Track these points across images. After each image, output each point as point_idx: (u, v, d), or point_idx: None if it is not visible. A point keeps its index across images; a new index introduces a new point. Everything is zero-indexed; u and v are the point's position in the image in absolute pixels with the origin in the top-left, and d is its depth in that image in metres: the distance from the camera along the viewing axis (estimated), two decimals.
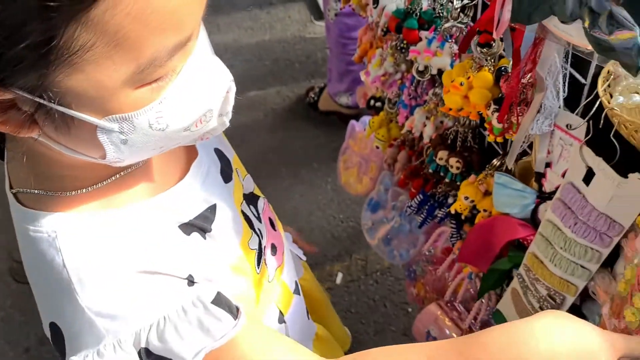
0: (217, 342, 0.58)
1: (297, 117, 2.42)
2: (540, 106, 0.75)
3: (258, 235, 0.77)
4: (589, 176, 0.71)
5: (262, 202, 0.83)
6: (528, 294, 0.88)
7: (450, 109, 0.91)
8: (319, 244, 1.97)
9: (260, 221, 0.79)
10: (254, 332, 0.63)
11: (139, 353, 0.56)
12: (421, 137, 1.10)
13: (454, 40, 0.95)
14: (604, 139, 0.68)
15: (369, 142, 1.40)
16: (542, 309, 0.85)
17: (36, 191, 0.58)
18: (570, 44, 0.57)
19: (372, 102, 1.38)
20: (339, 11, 1.97)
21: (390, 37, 1.11)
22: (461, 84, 0.86)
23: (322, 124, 2.36)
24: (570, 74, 0.75)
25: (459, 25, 0.92)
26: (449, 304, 1.17)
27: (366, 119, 1.41)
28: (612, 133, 0.67)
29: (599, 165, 0.69)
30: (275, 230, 0.85)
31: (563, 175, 0.78)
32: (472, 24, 0.91)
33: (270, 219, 0.84)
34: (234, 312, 0.60)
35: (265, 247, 0.79)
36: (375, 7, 1.12)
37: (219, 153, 0.75)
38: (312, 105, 2.40)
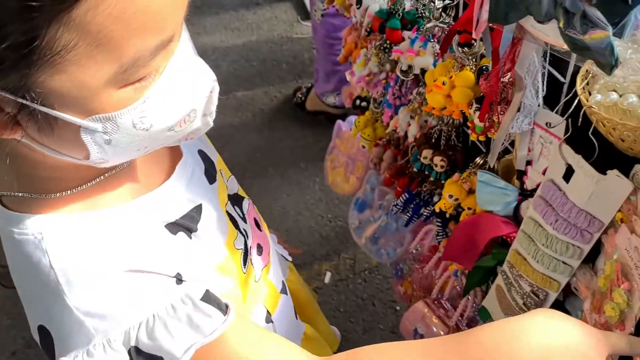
0: (207, 338, 0.58)
1: (285, 117, 2.43)
2: (520, 105, 0.76)
3: (244, 236, 0.77)
4: (568, 173, 0.72)
5: (246, 203, 0.83)
6: (512, 290, 0.89)
7: (434, 108, 0.92)
8: (307, 243, 1.98)
9: (245, 221, 0.80)
10: (243, 328, 0.63)
11: (129, 352, 0.56)
12: (406, 136, 1.11)
13: (436, 40, 0.96)
14: (582, 136, 0.69)
15: (355, 141, 1.40)
16: (525, 305, 0.86)
17: (20, 194, 0.58)
18: (547, 43, 0.58)
19: (358, 101, 1.39)
20: (325, 12, 1.98)
21: (374, 37, 1.12)
22: (443, 84, 0.87)
23: (309, 124, 2.37)
24: (549, 73, 0.76)
25: (441, 25, 0.93)
26: (435, 302, 1.18)
27: (352, 118, 1.42)
28: (591, 131, 0.67)
29: (579, 162, 0.70)
30: (260, 230, 0.85)
31: (544, 173, 0.79)
32: (453, 23, 0.92)
33: (255, 220, 0.84)
34: (223, 308, 0.60)
35: (251, 247, 0.79)
36: (358, 8, 1.12)
37: (202, 155, 0.75)
38: (300, 105, 2.41)
